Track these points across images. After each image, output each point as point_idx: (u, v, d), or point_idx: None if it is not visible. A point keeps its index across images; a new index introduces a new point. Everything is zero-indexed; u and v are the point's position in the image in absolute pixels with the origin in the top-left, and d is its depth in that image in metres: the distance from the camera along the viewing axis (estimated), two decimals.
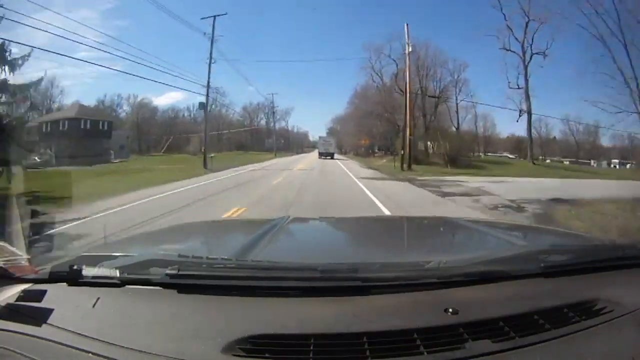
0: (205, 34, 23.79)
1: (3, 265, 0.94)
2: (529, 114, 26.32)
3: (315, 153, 50.06)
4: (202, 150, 22.11)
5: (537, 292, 0.91)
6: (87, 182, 12.67)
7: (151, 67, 35.53)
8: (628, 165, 33.43)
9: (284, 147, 73.24)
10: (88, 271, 0.88)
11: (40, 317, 0.77)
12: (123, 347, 0.69)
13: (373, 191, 11.25)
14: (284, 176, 16.55)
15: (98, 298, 0.83)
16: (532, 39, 25.80)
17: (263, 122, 73.82)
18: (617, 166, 35.42)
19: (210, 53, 23.48)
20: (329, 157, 40.36)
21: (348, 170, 21.92)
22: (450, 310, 0.79)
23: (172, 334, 0.72)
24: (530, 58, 26.31)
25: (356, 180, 15.24)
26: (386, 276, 0.91)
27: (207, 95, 24.40)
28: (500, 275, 0.95)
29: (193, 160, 26.42)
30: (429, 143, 29.77)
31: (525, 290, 0.92)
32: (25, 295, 0.86)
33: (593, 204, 8.82)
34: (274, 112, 55.69)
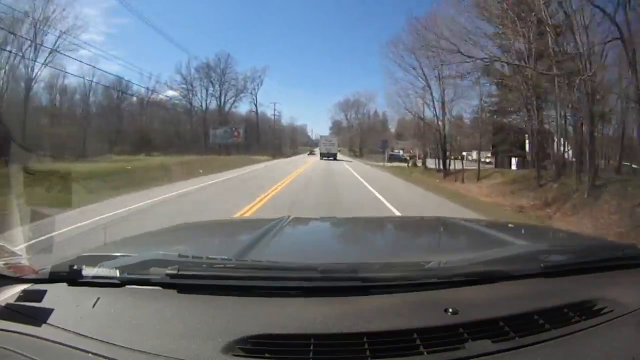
0: None
1: (3, 265, 0.95)
2: None
3: (312, 160, 36.90)
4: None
5: (537, 292, 0.91)
6: None
7: None
8: None
9: (249, 145, 43.60)
10: (88, 271, 0.88)
11: (40, 317, 0.77)
12: (123, 347, 0.69)
13: None
14: None
15: (98, 298, 0.83)
16: None
17: (213, 104, 45.15)
18: None
19: None
20: (332, 158, 37.99)
21: None
22: (450, 310, 0.79)
23: (172, 334, 0.72)
24: None
25: None
26: (386, 276, 0.91)
27: None
28: (500, 275, 0.95)
29: None
30: None
31: (525, 290, 0.92)
32: (25, 295, 0.86)
33: None
34: None
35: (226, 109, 47.97)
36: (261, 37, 74.90)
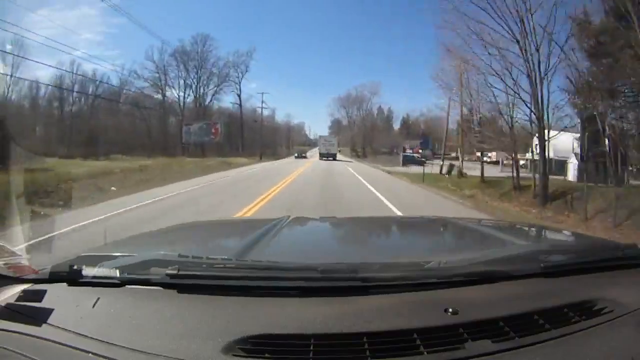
0: None
1: (3, 265, 0.95)
2: None
3: (306, 165, 27.00)
4: None
5: (537, 292, 0.91)
6: None
7: None
8: None
9: (233, 144, 38.11)
10: (88, 271, 0.88)
11: (40, 317, 0.78)
12: (123, 347, 0.69)
13: None
14: None
15: (98, 298, 0.83)
16: None
17: (190, 98, 38.07)
18: None
19: None
20: (331, 159, 36.66)
21: None
22: (450, 310, 0.79)
23: (172, 334, 0.72)
24: None
25: None
26: (386, 276, 0.91)
27: None
28: (500, 275, 0.95)
29: None
30: None
31: (525, 290, 0.92)
32: (25, 295, 0.86)
33: None
34: None
35: (207, 102, 40.00)
36: (259, 35, 74.04)
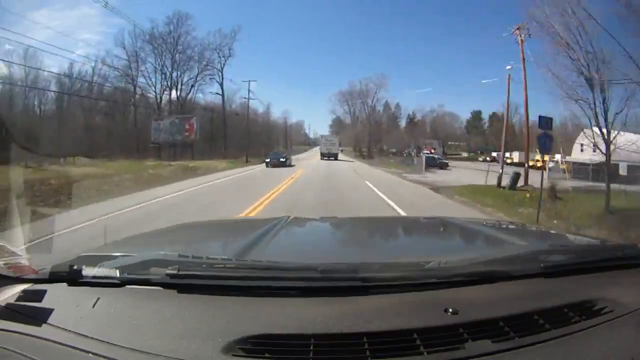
0: None
1: (3, 265, 0.95)
2: None
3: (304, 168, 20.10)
4: None
5: (537, 292, 0.91)
6: None
7: None
8: None
9: (214, 144, 32.20)
10: (88, 271, 0.88)
11: (40, 317, 0.78)
12: (123, 347, 0.69)
13: None
14: None
15: (98, 298, 0.83)
16: None
17: (169, 92, 32.66)
18: None
19: None
20: (332, 158, 35.79)
21: None
22: (450, 310, 0.79)
23: (172, 334, 0.72)
24: None
25: None
26: (386, 276, 0.91)
27: None
28: (500, 275, 0.95)
29: None
30: None
31: (525, 290, 0.92)
32: (25, 295, 0.86)
33: None
34: None
35: (187, 94, 34.65)
36: (258, 34, 73.84)
